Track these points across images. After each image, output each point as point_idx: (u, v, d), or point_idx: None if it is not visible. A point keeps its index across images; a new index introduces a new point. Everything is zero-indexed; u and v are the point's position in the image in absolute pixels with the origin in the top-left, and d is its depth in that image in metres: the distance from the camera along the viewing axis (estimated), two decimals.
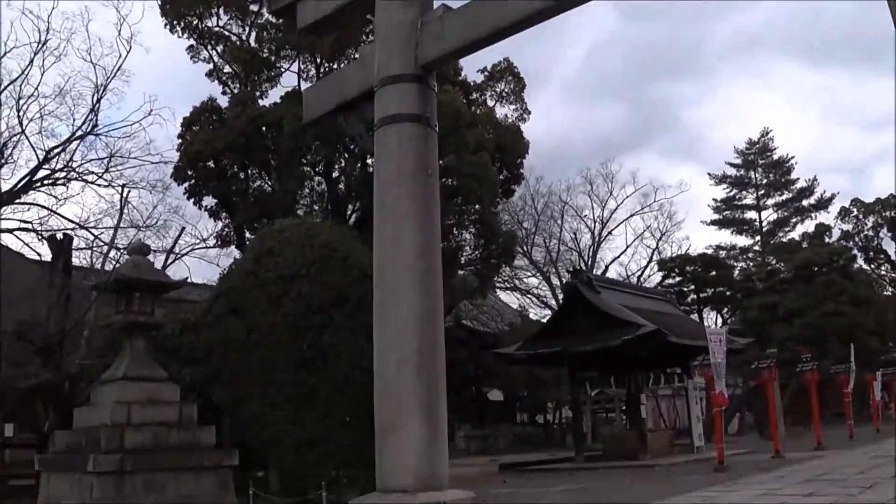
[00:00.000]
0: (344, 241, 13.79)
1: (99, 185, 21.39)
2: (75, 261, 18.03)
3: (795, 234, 68.12)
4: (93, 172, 21.42)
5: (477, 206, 22.98)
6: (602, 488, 16.07)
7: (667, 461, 22.57)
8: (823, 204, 68.99)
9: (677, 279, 43.84)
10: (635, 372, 24.95)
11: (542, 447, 41.19)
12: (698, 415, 27.80)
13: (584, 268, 26.02)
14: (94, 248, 19.67)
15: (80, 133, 21.20)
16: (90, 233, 20.53)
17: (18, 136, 20.82)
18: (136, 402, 11.58)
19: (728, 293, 43.03)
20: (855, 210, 64.56)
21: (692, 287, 43.25)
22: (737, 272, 50.78)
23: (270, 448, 12.83)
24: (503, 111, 27.95)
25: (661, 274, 48.42)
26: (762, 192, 70.34)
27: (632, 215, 55.75)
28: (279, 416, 12.51)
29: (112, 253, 18.20)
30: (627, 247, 66.91)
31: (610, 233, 53.72)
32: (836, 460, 18.83)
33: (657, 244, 55.80)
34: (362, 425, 12.39)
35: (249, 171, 25.37)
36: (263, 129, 23.44)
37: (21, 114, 20.90)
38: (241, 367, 12.99)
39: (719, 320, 45.55)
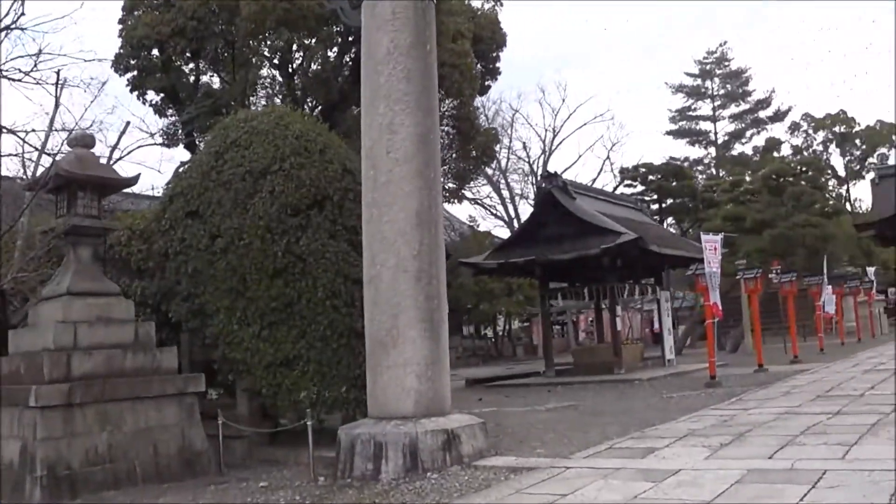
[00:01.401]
0: (321, 132, 11.98)
1: (26, 84, 19.10)
2: (3, 170, 15.95)
3: (749, 148, 67.67)
4: (19, 70, 19.13)
5: (455, 101, 21.10)
6: (595, 406, 14.89)
7: (645, 375, 21.64)
8: (780, 116, 68.40)
9: (638, 188, 42.77)
10: (608, 282, 23.71)
11: (492, 361, 40.62)
12: (670, 327, 26.96)
13: (552, 174, 24.43)
14: (24, 155, 17.57)
15: (3, 26, 18.84)
16: (17, 137, 18.35)
17: None
18: (83, 321, 9.82)
19: (691, 204, 42.05)
20: (805, 125, 64.38)
21: (654, 197, 42.22)
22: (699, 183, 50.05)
23: (239, 370, 11.24)
24: (477, 1, 26.00)
25: (614, 183, 47.55)
26: (718, 102, 69.33)
27: (584, 124, 55.13)
28: (250, 334, 10.85)
29: (44, 159, 16.15)
30: (580, 157, 65.83)
31: (562, 142, 52.78)
32: (827, 374, 18.05)
33: (608, 154, 55.42)
34: (348, 342, 10.96)
35: (200, 62, 23.13)
36: (216, 12, 21.05)
37: None
38: (203, 277, 11.24)
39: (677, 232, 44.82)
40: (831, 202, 40.28)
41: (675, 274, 29.59)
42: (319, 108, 22.07)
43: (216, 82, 24.31)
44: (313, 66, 22.33)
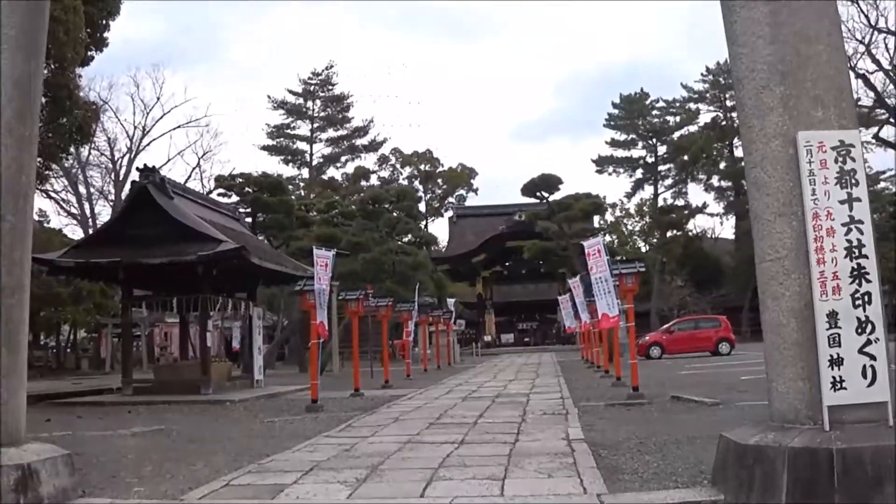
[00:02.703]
0: None
1: None
2: None
3: (340, 174, 69.10)
4: None
5: (54, 64, 17.68)
6: (191, 432, 13.06)
7: (236, 396, 20.20)
8: (375, 146, 70.69)
9: (233, 199, 41.13)
10: (201, 293, 21.82)
11: (53, 374, 37.13)
12: (260, 346, 25.71)
13: (150, 168, 21.93)
14: None
15: None
16: None
17: None
18: None
19: (286, 221, 41.26)
20: (393, 159, 67.34)
21: (249, 210, 40.84)
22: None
23: None
24: None
25: (203, 193, 45.48)
26: (317, 124, 69.86)
27: (178, 127, 52.72)
28: None
29: None
30: (169, 160, 63.34)
31: (151, 142, 49.96)
32: (427, 401, 17.95)
33: (199, 162, 53.43)
34: None
35: None
36: None
37: None
38: None
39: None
40: (422, 233, 42.01)
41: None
42: None
43: None
44: None
